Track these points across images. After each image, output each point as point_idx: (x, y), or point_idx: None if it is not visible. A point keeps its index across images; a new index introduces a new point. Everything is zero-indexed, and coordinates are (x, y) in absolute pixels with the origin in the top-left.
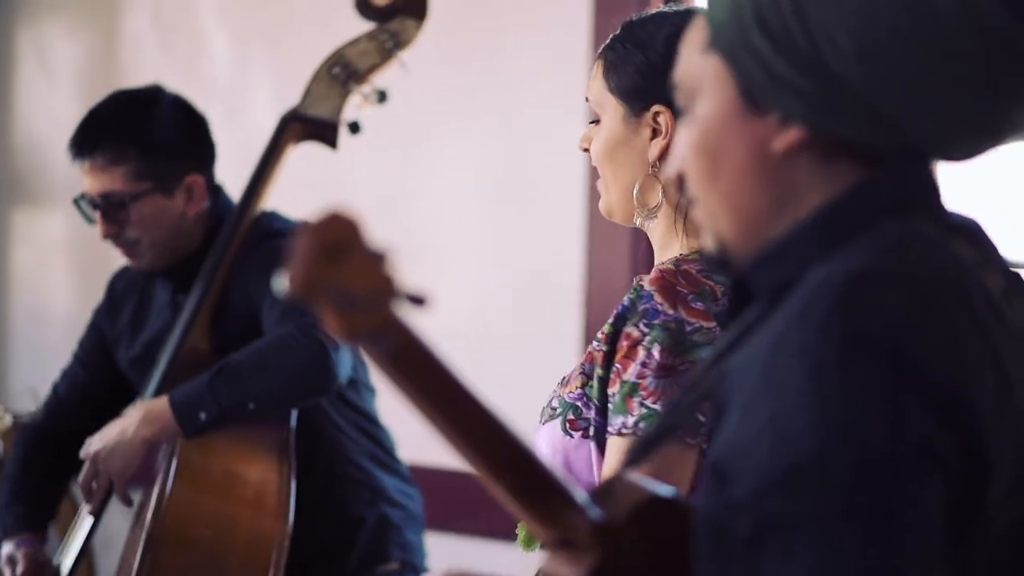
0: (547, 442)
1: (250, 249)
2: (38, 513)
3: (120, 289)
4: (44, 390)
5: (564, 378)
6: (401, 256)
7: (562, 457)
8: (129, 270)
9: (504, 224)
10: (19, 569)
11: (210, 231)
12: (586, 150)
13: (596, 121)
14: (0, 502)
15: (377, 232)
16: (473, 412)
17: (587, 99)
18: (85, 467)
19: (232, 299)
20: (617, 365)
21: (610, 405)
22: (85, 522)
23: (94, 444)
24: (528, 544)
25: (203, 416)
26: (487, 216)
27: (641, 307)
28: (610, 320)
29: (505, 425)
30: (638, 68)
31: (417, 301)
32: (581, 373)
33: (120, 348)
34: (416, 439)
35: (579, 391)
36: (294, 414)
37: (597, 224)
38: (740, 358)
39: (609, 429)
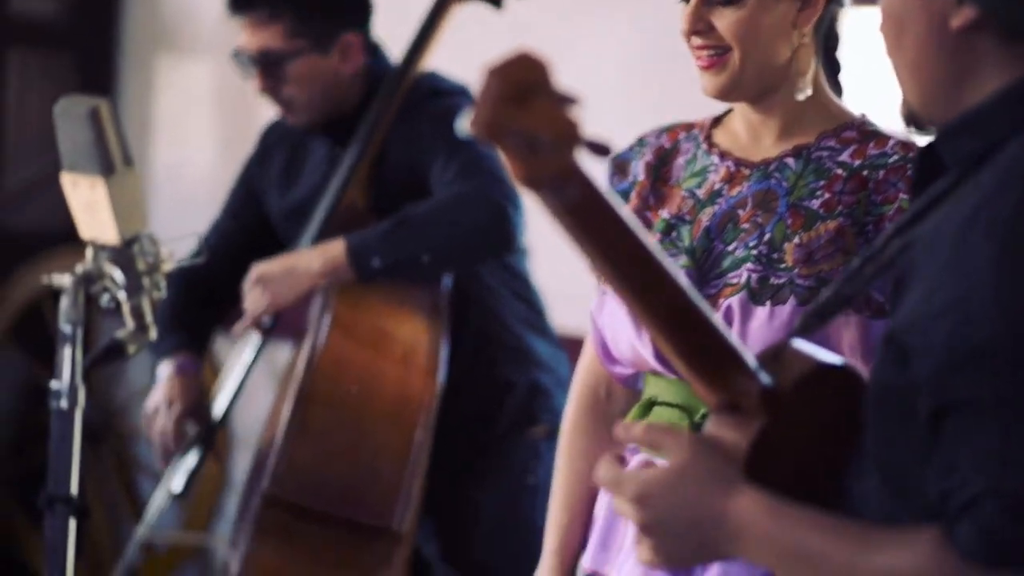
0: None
1: (412, 108)
2: (195, 340)
3: (273, 140)
4: (184, 239)
5: (756, 255)
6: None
7: (834, 338)
8: (282, 122)
9: (654, 97)
10: (176, 410)
11: (369, 89)
12: (697, 32)
13: (731, 2)
14: (157, 335)
15: None
16: (651, 268)
17: None
18: (250, 286)
19: (391, 158)
20: None
21: None
22: (243, 356)
23: (262, 267)
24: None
25: (376, 262)
26: (638, 88)
27: None
28: (905, 196)
29: (682, 284)
30: None
31: (600, 150)
32: (837, 251)
33: (271, 199)
34: (565, 305)
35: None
36: (448, 276)
37: None
38: (926, 230)
39: None
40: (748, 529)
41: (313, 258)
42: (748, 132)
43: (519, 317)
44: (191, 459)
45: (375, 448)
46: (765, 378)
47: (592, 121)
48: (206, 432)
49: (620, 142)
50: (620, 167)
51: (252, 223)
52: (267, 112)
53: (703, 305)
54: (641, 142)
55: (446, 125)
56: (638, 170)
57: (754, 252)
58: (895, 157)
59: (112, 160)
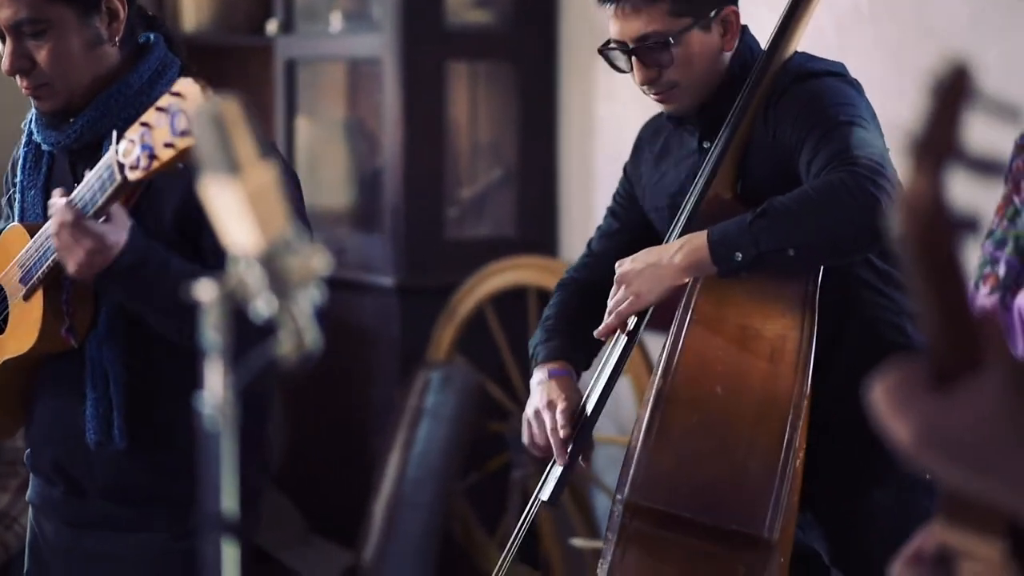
0: None
1: (780, 91)
2: (574, 350)
3: (645, 136)
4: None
5: None
6: None
7: None
8: (655, 119)
9: None
10: (560, 409)
11: (734, 73)
12: None
13: None
14: (534, 342)
15: None
16: None
17: None
18: (613, 287)
19: (757, 145)
20: None
21: None
22: (612, 352)
23: (625, 265)
24: None
25: (739, 256)
26: None
27: None
28: None
29: None
30: None
31: None
32: None
33: (645, 196)
34: None
35: None
36: (821, 269)
37: None
38: None
39: None
40: None
41: (675, 252)
42: None
43: (902, 310)
44: (559, 467)
45: (742, 451)
46: None
47: None
48: (579, 439)
49: None
50: None
51: (634, 222)
52: None
53: None
54: None
55: (816, 108)
56: None
57: None
58: None
59: (239, 160)
